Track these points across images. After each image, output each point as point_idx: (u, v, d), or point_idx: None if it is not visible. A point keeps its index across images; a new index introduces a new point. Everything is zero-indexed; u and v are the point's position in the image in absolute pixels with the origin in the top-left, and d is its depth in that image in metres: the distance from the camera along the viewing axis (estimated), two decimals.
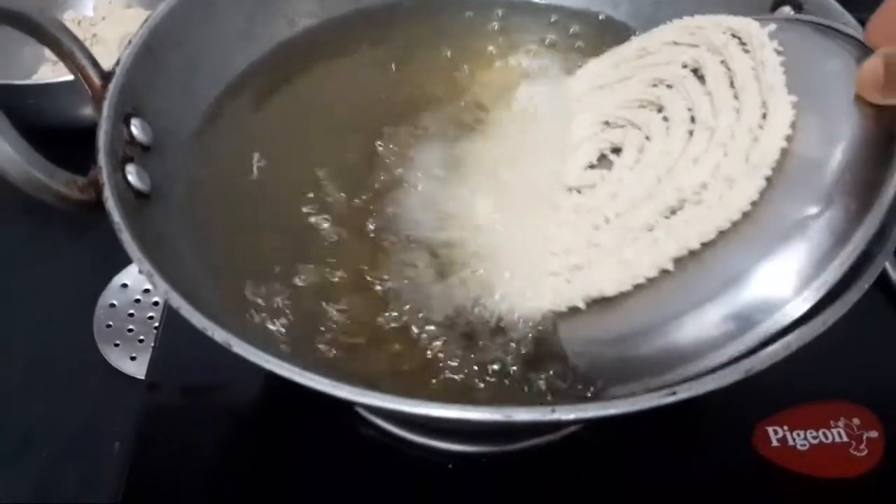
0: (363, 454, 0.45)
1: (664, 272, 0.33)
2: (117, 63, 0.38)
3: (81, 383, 0.53)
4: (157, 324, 0.52)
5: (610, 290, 0.34)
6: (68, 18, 0.73)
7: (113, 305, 0.57)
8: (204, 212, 0.40)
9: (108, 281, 0.58)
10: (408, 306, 0.37)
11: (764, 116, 0.34)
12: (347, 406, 0.44)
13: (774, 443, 0.45)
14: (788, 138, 0.33)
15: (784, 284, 0.30)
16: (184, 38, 0.44)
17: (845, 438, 0.45)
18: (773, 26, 0.37)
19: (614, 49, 0.46)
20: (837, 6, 0.42)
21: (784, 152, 0.33)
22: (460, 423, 0.26)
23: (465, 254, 0.39)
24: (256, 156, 0.44)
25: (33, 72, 0.71)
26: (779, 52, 0.36)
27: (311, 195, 0.42)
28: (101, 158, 0.33)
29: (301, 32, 0.51)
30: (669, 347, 0.30)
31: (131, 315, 0.57)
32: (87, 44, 0.67)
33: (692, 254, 0.32)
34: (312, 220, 0.41)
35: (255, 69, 0.48)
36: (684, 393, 0.25)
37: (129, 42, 0.39)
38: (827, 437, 0.45)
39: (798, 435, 0.45)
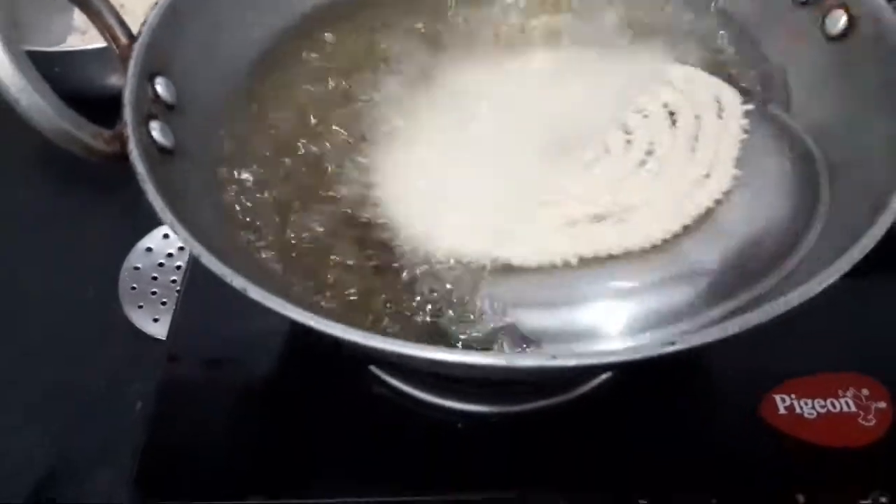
0: (376, 415, 0.45)
1: (567, 264, 0.37)
2: (144, 23, 0.39)
3: (105, 343, 0.54)
4: (179, 287, 0.52)
5: (516, 262, 0.38)
6: None
7: (137, 268, 0.58)
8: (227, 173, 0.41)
9: (133, 244, 0.60)
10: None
11: (707, 175, 0.40)
12: (360, 363, 0.45)
13: (782, 411, 0.45)
14: (717, 202, 0.39)
15: (654, 317, 0.35)
16: (208, 4, 0.44)
17: (853, 408, 0.45)
18: (752, 107, 0.43)
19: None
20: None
21: (709, 211, 0.39)
22: (462, 369, 0.27)
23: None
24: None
25: (62, 41, 0.72)
26: (745, 131, 0.42)
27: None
28: (127, 113, 0.34)
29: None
30: (567, 325, 0.36)
31: (155, 278, 0.58)
32: None
33: (596, 259, 0.37)
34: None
35: (284, 33, 0.49)
36: (682, 344, 0.26)
37: (156, 3, 0.40)
38: (835, 407, 0.45)
39: (806, 403, 0.45)
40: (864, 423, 0.45)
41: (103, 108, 0.38)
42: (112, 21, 0.37)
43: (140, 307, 0.56)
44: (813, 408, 0.45)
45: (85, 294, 0.57)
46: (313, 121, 0.45)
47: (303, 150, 0.44)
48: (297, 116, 0.45)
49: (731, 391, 0.46)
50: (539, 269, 0.38)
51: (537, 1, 0.52)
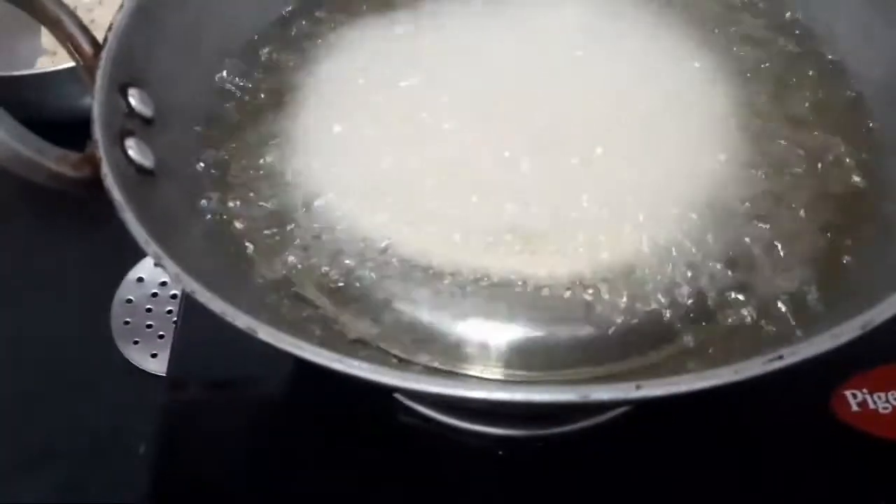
0: (404, 444, 0.42)
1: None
2: (109, 29, 0.34)
3: (101, 384, 0.52)
4: (175, 318, 0.50)
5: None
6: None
7: (130, 301, 0.55)
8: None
9: (122, 276, 0.56)
10: None
11: None
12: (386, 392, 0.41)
13: (854, 407, 0.42)
14: None
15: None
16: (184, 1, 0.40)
17: None
18: None
19: None
20: None
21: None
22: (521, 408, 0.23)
23: None
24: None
25: (31, 65, 0.68)
26: None
27: None
28: (97, 132, 0.30)
29: None
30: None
31: (149, 310, 0.55)
32: None
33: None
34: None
35: (272, 28, 0.45)
36: (790, 357, 0.22)
37: (122, 5, 0.35)
38: None
39: (879, 397, 0.42)
40: None
41: (83, 130, 0.34)
42: (74, 30, 0.32)
43: (136, 343, 0.53)
44: (887, 401, 0.42)
45: (76, 333, 0.54)
46: None
47: None
48: None
49: (798, 393, 0.42)
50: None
51: None
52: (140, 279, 0.56)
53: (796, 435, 0.41)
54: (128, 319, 0.54)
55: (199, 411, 0.45)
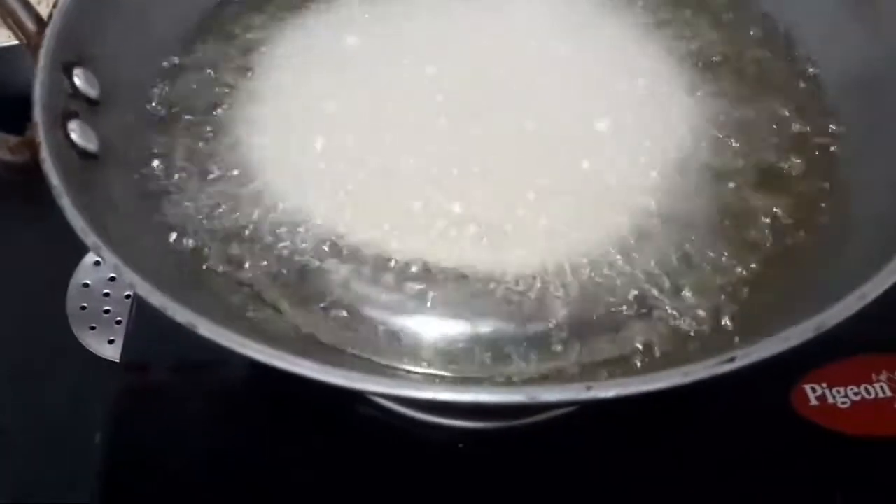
0: (363, 435, 0.41)
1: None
2: (55, 5, 0.32)
3: (57, 370, 0.51)
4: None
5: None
6: None
7: (86, 285, 0.54)
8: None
9: (79, 259, 0.55)
10: None
11: None
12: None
13: (813, 402, 0.42)
14: None
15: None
16: None
17: (889, 393, 0.42)
18: None
19: None
20: None
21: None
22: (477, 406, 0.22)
23: None
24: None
25: None
26: None
27: None
28: (37, 114, 0.29)
29: None
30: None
31: (106, 295, 0.54)
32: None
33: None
34: None
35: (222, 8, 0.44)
36: (744, 359, 0.21)
37: None
38: (869, 393, 0.42)
39: (838, 392, 0.43)
40: None
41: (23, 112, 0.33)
42: (16, 5, 0.31)
43: (92, 328, 0.52)
44: (846, 396, 0.43)
45: (31, 318, 0.53)
46: None
47: None
48: None
49: (759, 387, 0.42)
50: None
51: None
52: (97, 262, 0.54)
53: (756, 428, 0.41)
54: (84, 304, 0.53)
55: (155, 398, 0.44)
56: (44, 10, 0.35)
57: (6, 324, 0.52)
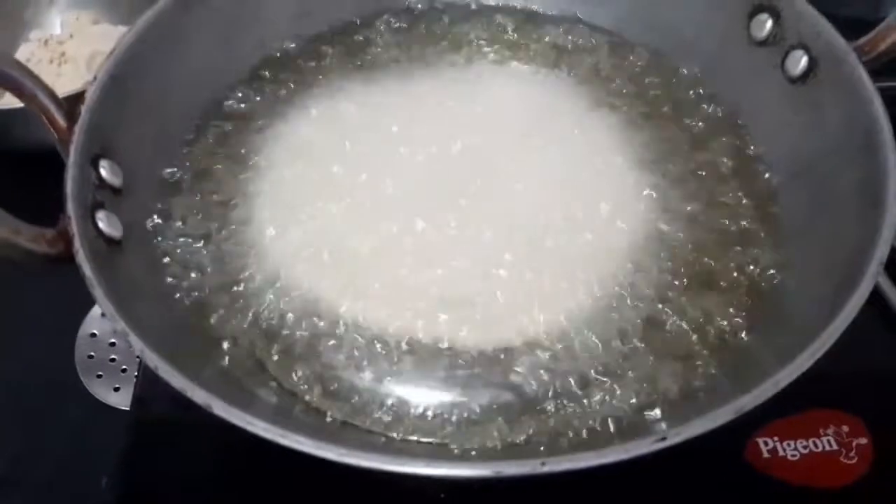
0: (347, 483, 0.42)
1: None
2: (82, 102, 0.36)
3: (64, 417, 0.52)
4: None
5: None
6: (34, 38, 0.71)
7: (94, 335, 0.56)
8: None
9: (87, 310, 0.57)
10: None
11: None
12: None
13: (766, 454, 0.45)
14: None
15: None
16: (153, 69, 0.42)
17: (835, 446, 0.45)
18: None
19: None
20: (814, 12, 0.42)
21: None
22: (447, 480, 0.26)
23: None
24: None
25: None
26: None
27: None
28: (70, 207, 0.32)
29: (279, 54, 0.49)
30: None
31: (113, 345, 0.55)
32: (54, 64, 0.67)
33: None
34: None
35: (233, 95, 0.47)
36: (674, 438, 0.25)
37: (95, 78, 0.37)
38: (817, 446, 0.45)
39: (789, 445, 0.45)
40: (846, 460, 0.45)
41: (47, 163, 0.35)
42: (48, 103, 0.34)
43: (99, 376, 0.54)
44: (796, 449, 0.45)
45: (40, 366, 0.54)
46: None
47: None
48: None
49: (715, 441, 0.44)
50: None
51: None
52: (104, 314, 0.57)
53: (711, 478, 0.44)
54: (91, 353, 0.54)
55: (162, 445, 0.45)
56: (68, 68, 0.37)
57: (17, 371, 0.54)
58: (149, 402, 0.46)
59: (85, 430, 0.51)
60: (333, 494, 0.43)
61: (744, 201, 0.44)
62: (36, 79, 0.35)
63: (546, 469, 0.24)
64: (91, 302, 0.53)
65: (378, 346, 0.37)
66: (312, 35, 0.51)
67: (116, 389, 0.53)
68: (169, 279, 0.37)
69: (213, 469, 0.45)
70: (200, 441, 0.45)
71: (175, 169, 0.42)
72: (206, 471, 0.44)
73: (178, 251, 0.39)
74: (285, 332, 0.37)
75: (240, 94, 0.48)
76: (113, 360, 0.54)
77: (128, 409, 0.48)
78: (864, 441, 0.45)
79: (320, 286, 0.38)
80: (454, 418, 0.35)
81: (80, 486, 0.48)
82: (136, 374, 0.48)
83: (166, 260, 0.38)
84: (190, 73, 0.44)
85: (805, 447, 0.45)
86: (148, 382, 0.47)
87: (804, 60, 0.43)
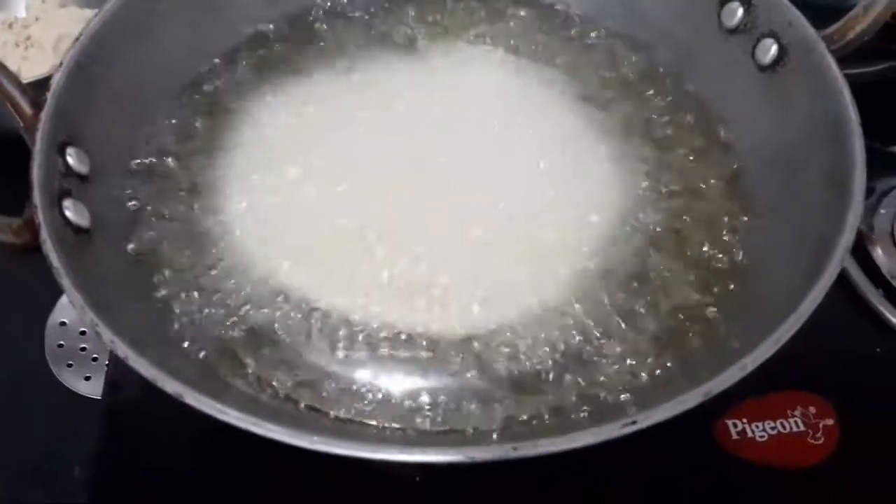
0: (324, 467, 0.41)
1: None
2: (48, 88, 0.35)
3: (34, 406, 0.52)
4: None
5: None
6: None
7: (63, 324, 0.55)
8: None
9: (56, 298, 0.56)
10: None
11: None
12: None
13: (735, 436, 0.45)
14: None
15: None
16: (121, 53, 0.41)
17: (802, 427, 0.46)
18: None
19: None
20: (784, 0, 0.42)
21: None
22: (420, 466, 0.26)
23: None
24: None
25: None
26: None
27: None
28: (36, 195, 0.31)
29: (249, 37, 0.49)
30: None
31: (83, 333, 0.55)
32: (20, 48, 0.66)
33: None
34: None
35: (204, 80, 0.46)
36: (643, 422, 0.26)
37: (61, 63, 0.37)
38: (785, 427, 0.46)
39: (757, 426, 0.46)
40: (813, 441, 0.46)
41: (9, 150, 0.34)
42: (13, 90, 0.34)
43: (69, 365, 0.53)
44: (764, 430, 0.46)
45: (9, 355, 0.54)
46: None
47: None
48: None
49: (685, 423, 0.45)
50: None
51: None
52: (73, 304, 0.56)
53: (681, 459, 0.44)
54: (61, 342, 0.54)
55: (135, 434, 0.45)
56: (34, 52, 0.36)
57: None
58: (120, 391, 0.46)
59: (56, 419, 0.51)
60: (308, 480, 0.43)
61: (715, 187, 0.44)
62: (1, 66, 0.35)
63: (518, 454, 0.25)
64: (59, 290, 0.56)
65: (350, 333, 0.37)
66: (285, 16, 0.50)
67: (87, 378, 0.52)
68: (138, 268, 0.37)
69: (185, 458, 0.45)
70: (172, 429, 0.45)
71: (144, 156, 0.42)
72: (179, 459, 0.45)
73: (147, 239, 0.39)
74: (257, 319, 0.37)
75: (211, 79, 0.47)
76: (83, 349, 0.54)
77: (99, 398, 0.48)
78: (830, 422, 0.46)
79: (290, 274, 0.38)
80: (426, 404, 0.35)
81: (52, 476, 0.48)
82: (106, 362, 0.48)
83: (135, 247, 0.38)
84: (160, 58, 0.44)
85: (773, 428, 0.46)
86: (119, 371, 0.47)
87: (774, 49, 0.43)
